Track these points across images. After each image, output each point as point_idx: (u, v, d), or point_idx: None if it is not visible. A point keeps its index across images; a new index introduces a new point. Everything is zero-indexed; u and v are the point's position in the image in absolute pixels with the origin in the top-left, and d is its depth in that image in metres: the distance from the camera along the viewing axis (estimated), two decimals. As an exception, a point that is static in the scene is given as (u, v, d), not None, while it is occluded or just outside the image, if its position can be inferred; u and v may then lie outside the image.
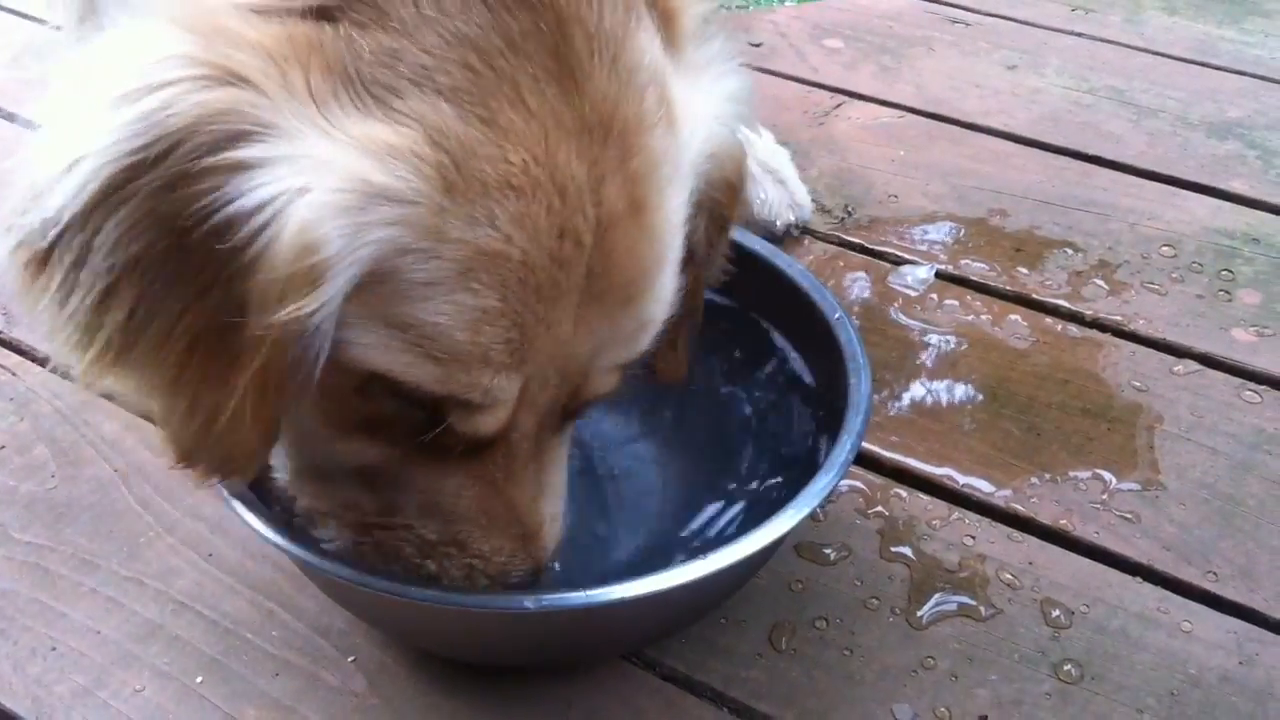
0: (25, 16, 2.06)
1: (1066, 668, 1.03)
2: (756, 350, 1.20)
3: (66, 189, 0.69)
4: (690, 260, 0.88)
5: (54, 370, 0.78)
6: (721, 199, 0.92)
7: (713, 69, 0.87)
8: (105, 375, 0.76)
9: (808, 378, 1.15)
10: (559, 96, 0.74)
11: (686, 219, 0.84)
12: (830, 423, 1.05)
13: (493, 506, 0.88)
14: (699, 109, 0.84)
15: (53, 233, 0.71)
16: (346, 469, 0.88)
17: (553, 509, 0.92)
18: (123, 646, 1.04)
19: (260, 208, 0.68)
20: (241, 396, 0.73)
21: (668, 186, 0.81)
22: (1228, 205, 1.59)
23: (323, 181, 0.69)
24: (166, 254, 0.70)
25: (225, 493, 0.92)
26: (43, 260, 0.72)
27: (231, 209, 0.68)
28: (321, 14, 0.71)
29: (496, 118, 0.72)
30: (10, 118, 1.77)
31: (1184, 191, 1.62)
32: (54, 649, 1.04)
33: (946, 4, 2.09)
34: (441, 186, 0.71)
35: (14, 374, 1.31)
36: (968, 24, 2.04)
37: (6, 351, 1.34)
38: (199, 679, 1.02)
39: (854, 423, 1.00)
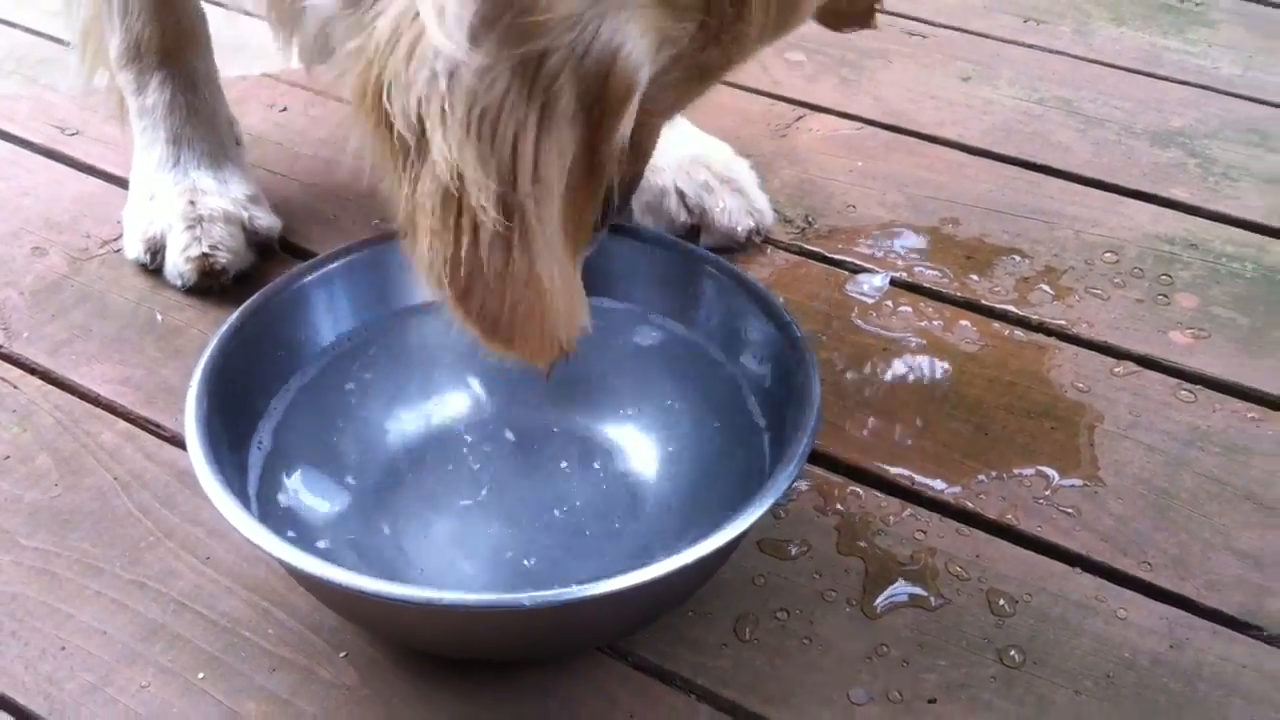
0: (10, 24, 2.10)
1: (1010, 653, 1.10)
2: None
3: None
4: None
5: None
6: None
7: None
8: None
9: (765, 380, 1.20)
10: None
11: None
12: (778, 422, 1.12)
13: None
14: None
15: None
16: None
17: None
18: (128, 645, 1.10)
19: None
20: None
21: None
22: (1168, 212, 1.67)
23: None
24: None
25: (218, 502, 0.99)
26: None
27: None
28: None
29: None
30: (-1, 134, 1.81)
31: (1127, 199, 1.69)
32: (63, 649, 1.10)
33: (904, 16, 2.15)
34: None
35: (15, 386, 1.36)
36: (924, 36, 2.11)
37: (8, 365, 1.39)
38: (200, 675, 1.07)
39: (808, 419, 1.05)
